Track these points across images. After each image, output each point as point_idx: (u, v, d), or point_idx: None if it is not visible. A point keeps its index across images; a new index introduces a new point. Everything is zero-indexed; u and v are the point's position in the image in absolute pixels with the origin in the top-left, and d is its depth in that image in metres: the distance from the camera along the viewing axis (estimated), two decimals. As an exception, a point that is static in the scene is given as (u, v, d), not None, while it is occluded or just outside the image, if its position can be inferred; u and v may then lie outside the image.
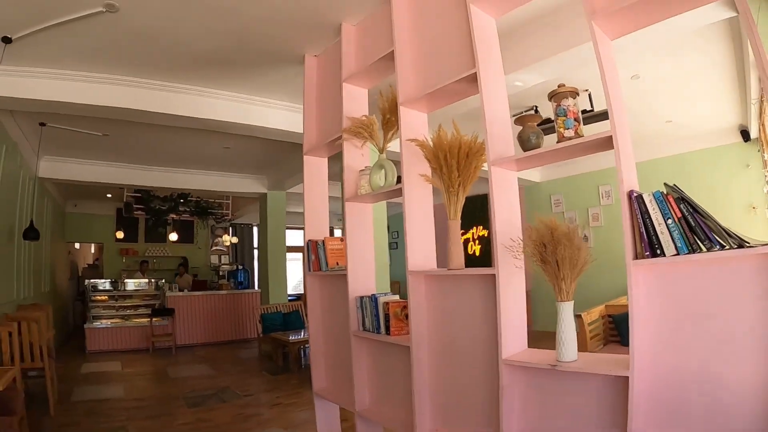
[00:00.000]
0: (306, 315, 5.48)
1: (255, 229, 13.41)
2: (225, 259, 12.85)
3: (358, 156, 2.98)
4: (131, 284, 9.42)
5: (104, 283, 9.36)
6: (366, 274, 2.91)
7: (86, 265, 12.95)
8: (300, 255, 9.05)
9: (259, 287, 10.40)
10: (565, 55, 3.47)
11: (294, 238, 11.58)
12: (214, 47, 3.66)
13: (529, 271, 1.98)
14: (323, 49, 3.50)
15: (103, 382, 6.18)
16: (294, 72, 3.93)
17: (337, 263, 3.08)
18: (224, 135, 5.58)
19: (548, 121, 3.81)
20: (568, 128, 1.85)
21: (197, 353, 8.26)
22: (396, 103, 2.58)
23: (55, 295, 8.94)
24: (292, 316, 7.94)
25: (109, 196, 9.78)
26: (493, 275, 2.02)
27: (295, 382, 5.94)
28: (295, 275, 10.53)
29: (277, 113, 4.91)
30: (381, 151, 2.79)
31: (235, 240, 12.25)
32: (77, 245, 12.49)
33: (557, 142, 1.88)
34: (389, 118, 2.72)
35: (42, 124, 5.37)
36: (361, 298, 2.80)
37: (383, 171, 2.70)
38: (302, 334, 6.88)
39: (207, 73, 4.21)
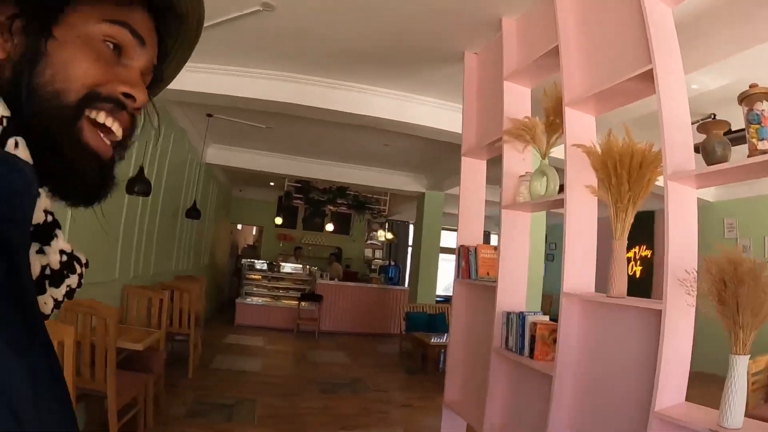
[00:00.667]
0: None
1: (411, 227, 13.87)
2: (378, 253, 13.56)
3: (518, 160, 2.98)
4: (286, 268, 10.47)
5: (261, 264, 10.54)
6: (516, 289, 2.88)
7: (246, 245, 14.63)
8: (453, 257, 9.16)
9: (408, 285, 10.79)
10: (753, 51, 2.97)
11: (449, 239, 11.75)
12: (371, 46, 3.95)
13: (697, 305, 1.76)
14: (483, 46, 3.52)
15: (243, 354, 7.15)
16: (452, 70, 4.04)
17: (488, 273, 3.10)
18: (384, 132, 5.82)
19: (734, 131, 3.30)
20: (762, 138, 1.59)
21: (338, 341, 9.05)
22: (561, 103, 2.47)
23: (214, 269, 10.54)
24: (438, 319, 8.12)
25: (271, 184, 11.08)
26: (659, 311, 1.83)
27: (429, 385, 6.22)
28: (446, 277, 10.64)
29: (434, 112, 4.99)
30: (543, 156, 2.76)
31: (390, 236, 12.81)
32: (239, 226, 14.19)
33: (748, 156, 1.63)
34: (553, 120, 2.65)
35: (209, 115, 6.20)
36: (508, 313, 2.79)
37: (545, 178, 2.65)
38: (444, 338, 6.97)
39: (364, 70, 4.52)
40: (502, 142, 2.93)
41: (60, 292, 0.57)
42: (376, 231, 13.39)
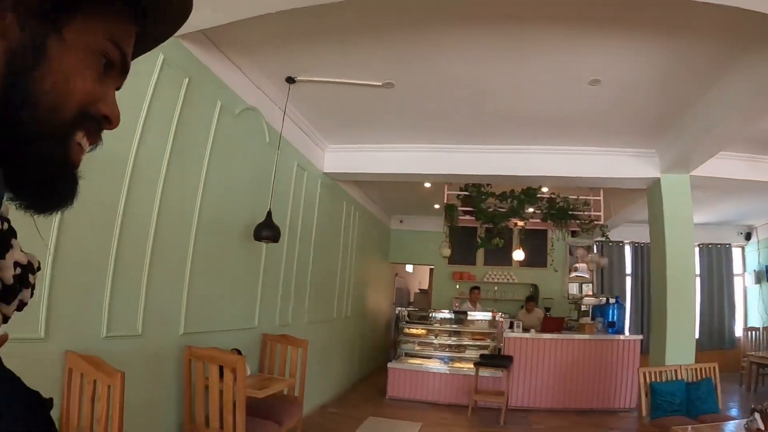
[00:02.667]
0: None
1: (627, 250, 10.31)
2: (587, 288, 10.12)
3: None
4: (454, 317, 7.78)
5: (424, 313, 8.07)
6: None
7: (418, 290, 12.37)
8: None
9: (640, 333, 7.35)
10: None
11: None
12: None
13: None
14: None
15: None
16: None
17: None
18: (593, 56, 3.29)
19: None
20: None
21: (535, 425, 6.17)
22: None
23: (362, 322, 8.28)
24: (702, 389, 4.79)
25: (436, 207, 8.59)
26: None
27: None
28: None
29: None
30: None
31: (604, 261, 9.41)
32: (409, 268, 12.01)
33: None
34: None
35: (290, 81, 4.22)
36: None
37: None
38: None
39: None
40: None
41: (11, 309, 0.59)
42: (586, 254, 10.07)
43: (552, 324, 7.50)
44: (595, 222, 6.53)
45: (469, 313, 7.98)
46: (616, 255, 10.43)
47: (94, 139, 0.58)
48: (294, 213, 5.41)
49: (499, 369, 6.61)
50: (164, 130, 3.32)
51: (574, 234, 10.24)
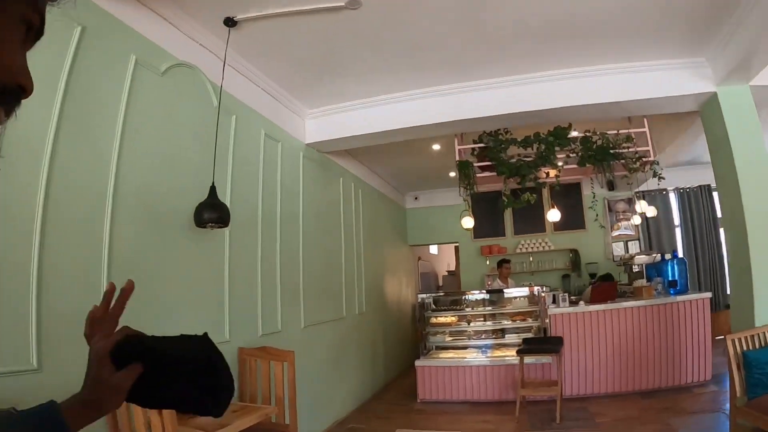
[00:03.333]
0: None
1: (673, 198, 9.11)
2: (634, 246, 8.96)
3: None
4: (488, 297, 6.72)
5: (452, 297, 7.11)
6: None
7: (446, 273, 11.34)
8: None
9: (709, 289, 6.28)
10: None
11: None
12: None
13: None
14: None
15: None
16: None
17: None
18: None
19: None
20: None
21: (597, 416, 5.16)
22: None
23: (383, 316, 7.29)
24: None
25: (452, 175, 7.56)
26: None
27: None
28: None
29: None
30: None
31: (653, 210, 8.19)
32: (434, 249, 10.98)
33: None
34: None
35: (229, 23, 3.24)
36: None
37: None
38: None
39: None
40: None
41: None
42: (628, 208, 8.90)
43: (603, 292, 6.39)
44: (644, 159, 5.32)
45: (511, 290, 6.89)
46: (661, 205, 9.19)
47: (11, 113, 0.55)
48: (268, 194, 4.44)
49: (547, 354, 5.57)
50: (48, 91, 2.43)
51: (611, 187, 9.09)
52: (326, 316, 5.39)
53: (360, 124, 5.12)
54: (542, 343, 5.62)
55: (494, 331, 6.51)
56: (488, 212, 9.23)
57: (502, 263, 7.87)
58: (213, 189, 3.27)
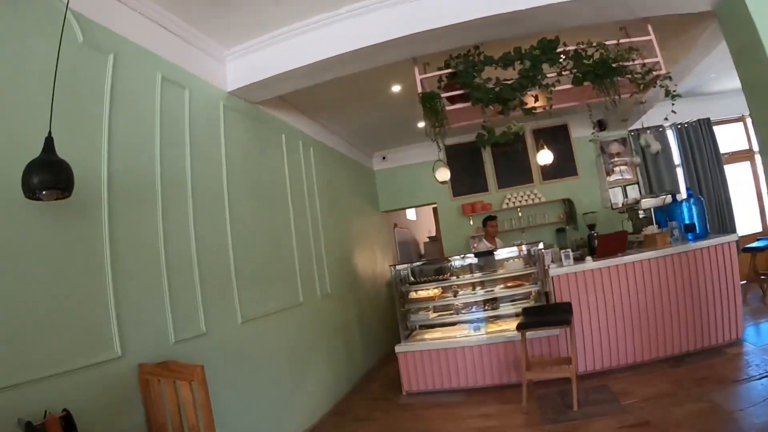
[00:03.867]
0: None
1: (671, 135, 8.16)
2: (633, 191, 7.99)
3: None
4: (477, 261, 5.68)
5: (433, 266, 6.09)
6: None
7: (427, 239, 10.32)
8: None
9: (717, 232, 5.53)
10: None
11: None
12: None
13: None
14: None
15: None
16: None
17: None
18: None
19: None
20: None
21: (622, 397, 4.18)
22: None
23: (355, 296, 6.26)
24: None
25: (420, 125, 6.45)
26: None
27: None
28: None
29: None
30: None
31: (657, 145, 7.18)
32: (411, 214, 9.91)
33: None
34: None
35: None
36: None
37: None
38: None
39: None
40: None
41: None
42: (624, 150, 7.92)
43: (611, 243, 5.39)
44: (655, 72, 4.17)
45: (504, 251, 5.78)
46: (660, 143, 8.21)
47: None
48: (172, 156, 3.29)
49: (555, 327, 4.57)
50: None
51: (602, 127, 8.08)
52: (275, 305, 4.30)
53: (290, 57, 3.96)
54: (547, 313, 4.60)
55: (486, 302, 5.47)
56: (467, 166, 8.18)
57: (488, 221, 6.82)
58: (49, 142, 2.11)
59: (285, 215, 4.82)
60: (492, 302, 5.46)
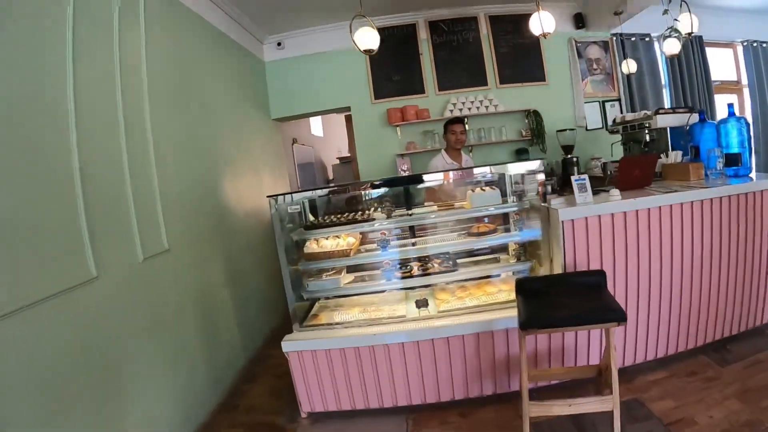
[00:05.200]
0: None
1: (657, 48, 6.45)
2: (612, 110, 6.15)
3: None
4: (417, 190, 3.53)
5: (348, 194, 3.68)
6: None
7: (337, 161, 8.08)
8: None
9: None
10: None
11: None
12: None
13: None
14: None
15: None
16: None
17: None
18: None
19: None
20: None
21: (672, 427, 2.12)
22: None
23: (224, 249, 3.82)
24: None
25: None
26: None
27: None
28: None
29: None
30: None
31: (633, 65, 5.38)
32: (317, 126, 7.54)
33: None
34: None
35: None
36: None
37: None
38: None
39: None
40: None
41: None
42: (604, 55, 6.01)
43: (635, 172, 3.40)
44: None
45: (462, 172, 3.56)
46: (645, 57, 6.34)
47: None
48: None
49: (599, 326, 2.46)
50: None
51: (581, 23, 6.07)
52: (25, 292, 1.88)
53: None
54: (575, 295, 2.48)
55: (436, 258, 3.36)
56: (397, 58, 5.87)
57: (451, 125, 4.41)
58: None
59: (62, 123, 2.28)
60: (446, 259, 3.34)
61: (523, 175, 3.22)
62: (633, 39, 6.20)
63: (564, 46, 6.05)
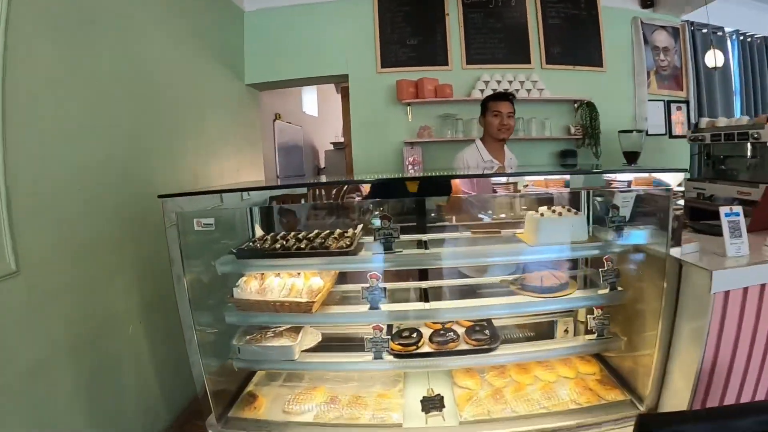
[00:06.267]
0: None
1: (731, 45, 5.27)
2: (677, 111, 4.91)
3: None
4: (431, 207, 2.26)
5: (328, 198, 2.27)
6: None
7: (332, 146, 6.80)
8: None
9: None
10: None
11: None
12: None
13: None
14: None
15: None
16: None
17: None
18: None
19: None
20: None
21: None
22: None
23: (139, 265, 2.36)
24: None
25: None
26: None
27: None
28: None
29: None
30: None
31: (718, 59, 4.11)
32: (311, 104, 6.24)
33: None
34: None
35: None
36: None
37: None
38: None
39: None
40: None
41: None
42: (674, 44, 4.77)
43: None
44: None
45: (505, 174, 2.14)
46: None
47: None
48: None
49: None
50: None
51: (648, 1, 4.77)
52: None
53: None
54: None
55: (471, 325, 2.07)
56: (414, 20, 4.53)
57: (498, 103, 2.86)
58: None
59: None
60: (479, 327, 2.05)
61: (637, 194, 1.89)
62: (704, 31, 4.92)
63: (627, 26, 4.76)
